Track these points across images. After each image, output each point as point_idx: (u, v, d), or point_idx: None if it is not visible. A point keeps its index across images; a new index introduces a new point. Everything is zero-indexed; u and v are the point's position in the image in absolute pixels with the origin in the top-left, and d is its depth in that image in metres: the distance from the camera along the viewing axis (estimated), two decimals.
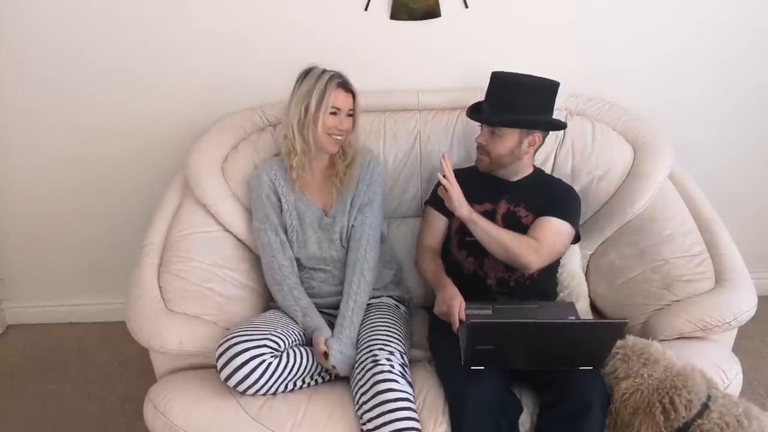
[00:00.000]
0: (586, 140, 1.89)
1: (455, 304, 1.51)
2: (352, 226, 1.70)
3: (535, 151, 1.73)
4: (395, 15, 1.93)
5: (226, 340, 1.41)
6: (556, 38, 1.99)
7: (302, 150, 1.65)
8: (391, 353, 1.43)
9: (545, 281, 1.72)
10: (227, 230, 1.79)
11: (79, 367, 2.26)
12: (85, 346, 2.36)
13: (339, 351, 1.49)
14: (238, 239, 1.81)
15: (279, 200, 1.71)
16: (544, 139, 1.70)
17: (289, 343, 1.50)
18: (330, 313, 1.66)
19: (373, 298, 1.70)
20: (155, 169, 2.15)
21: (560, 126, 1.74)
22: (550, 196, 1.70)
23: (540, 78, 1.65)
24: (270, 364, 1.41)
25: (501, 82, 1.65)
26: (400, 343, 1.50)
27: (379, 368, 1.38)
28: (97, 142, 2.14)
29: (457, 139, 1.91)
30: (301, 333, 1.58)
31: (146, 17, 1.93)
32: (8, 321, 2.52)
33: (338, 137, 1.65)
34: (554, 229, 1.63)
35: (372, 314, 1.62)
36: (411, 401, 1.38)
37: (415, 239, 1.88)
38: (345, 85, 1.64)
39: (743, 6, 1.95)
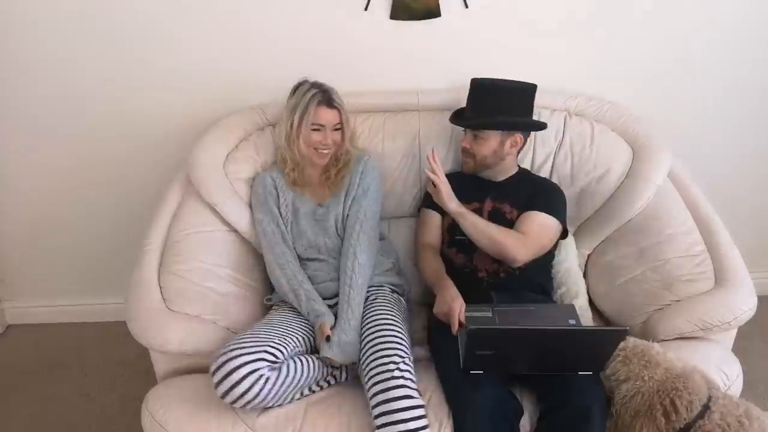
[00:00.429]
0: (585, 141, 1.89)
1: (456, 307, 1.50)
2: (347, 215, 1.73)
3: (519, 152, 1.81)
4: (395, 15, 1.93)
5: (221, 355, 1.36)
6: (557, 38, 1.99)
7: (293, 160, 1.74)
8: (402, 358, 1.40)
9: (537, 274, 1.73)
10: (230, 230, 1.79)
11: (79, 367, 2.26)
12: (85, 346, 2.36)
13: (336, 343, 1.49)
14: (244, 238, 1.81)
15: (278, 197, 1.77)
16: (526, 139, 1.78)
17: (288, 352, 1.46)
18: (326, 304, 1.65)
19: (373, 286, 1.69)
20: (156, 168, 2.15)
21: (540, 126, 1.80)
22: (535, 192, 1.75)
23: (518, 81, 1.72)
24: (268, 379, 1.36)
25: (481, 87, 1.73)
26: (405, 343, 1.47)
27: (393, 382, 1.35)
28: (97, 141, 2.14)
29: (457, 139, 1.91)
30: (304, 338, 1.56)
31: (147, 17, 1.93)
32: (8, 321, 2.51)
33: (325, 151, 1.71)
34: (540, 222, 1.68)
35: (374, 308, 1.60)
36: (423, 414, 1.35)
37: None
38: (328, 102, 1.69)
39: (743, 6, 1.95)
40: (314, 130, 1.68)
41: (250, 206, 1.81)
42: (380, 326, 1.51)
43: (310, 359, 1.49)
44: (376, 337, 1.48)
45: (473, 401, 1.34)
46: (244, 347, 1.38)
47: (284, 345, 1.46)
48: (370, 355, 1.43)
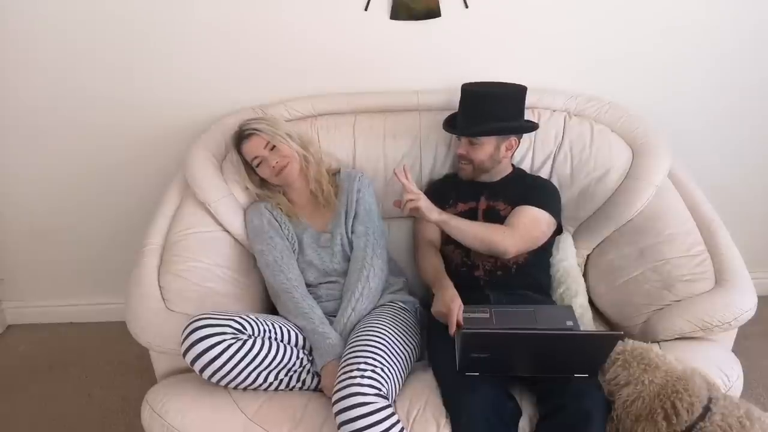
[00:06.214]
0: (585, 142, 1.89)
1: (454, 307, 1.48)
2: (353, 232, 1.72)
3: (513, 153, 1.82)
4: (395, 15, 1.93)
5: (188, 325, 1.36)
6: (556, 38, 1.99)
7: (274, 195, 1.78)
8: (370, 365, 1.33)
9: (535, 272, 1.73)
10: (226, 229, 1.79)
11: (79, 367, 2.26)
12: (85, 346, 2.36)
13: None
14: (236, 239, 1.81)
15: (281, 227, 1.75)
16: (519, 141, 1.81)
17: (259, 332, 1.44)
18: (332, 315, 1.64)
19: (387, 303, 1.67)
20: (156, 169, 2.15)
21: (533, 128, 1.82)
22: (527, 188, 1.77)
23: (508, 84, 1.75)
24: (230, 346, 1.34)
25: (472, 93, 1.74)
26: (384, 349, 1.41)
27: (350, 390, 1.28)
28: (96, 142, 2.14)
29: (456, 139, 1.91)
30: (281, 328, 1.52)
31: (146, 17, 1.93)
32: (8, 321, 2.52)
33: (280, 171, 1.70)
34: (529, 215, 1.68)
35: (369, 316, 1.58)
36: (382, 419, 1.27)
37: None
38: (242, 137, 1.72)
39: (744, 6, 1.95)
40: (257, 165, 1.72)
41: (247, 234, 1.79)
42: (362, 332, 1.47)
43: (286, 347, 1.47)
44: (352, 343, 1.44)
45: (468, 403, 1.33)
46: (211, 317, 1.38)
47: (257, 323, 1.44)
48: (342, 360, 1.38)
